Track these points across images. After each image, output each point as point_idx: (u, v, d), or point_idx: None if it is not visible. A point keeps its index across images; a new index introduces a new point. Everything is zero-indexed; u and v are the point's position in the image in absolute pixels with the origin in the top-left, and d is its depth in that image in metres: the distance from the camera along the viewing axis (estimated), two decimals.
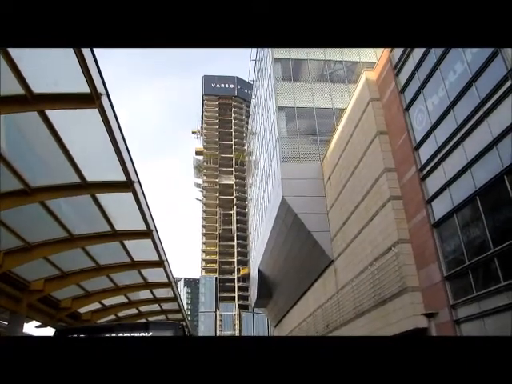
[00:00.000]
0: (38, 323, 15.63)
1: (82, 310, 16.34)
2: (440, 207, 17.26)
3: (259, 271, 49.44)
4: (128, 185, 8.54)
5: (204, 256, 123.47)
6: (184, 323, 9.70)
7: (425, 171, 18.25)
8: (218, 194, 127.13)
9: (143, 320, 18.62)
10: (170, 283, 15.57)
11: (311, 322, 36.15)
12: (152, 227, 10.75)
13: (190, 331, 11.35)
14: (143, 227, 10.78)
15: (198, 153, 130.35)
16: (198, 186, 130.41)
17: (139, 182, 8.69)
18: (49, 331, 16.42)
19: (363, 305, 23.74)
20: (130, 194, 8.87)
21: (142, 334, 8.20)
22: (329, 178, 31.39)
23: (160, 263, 13.29)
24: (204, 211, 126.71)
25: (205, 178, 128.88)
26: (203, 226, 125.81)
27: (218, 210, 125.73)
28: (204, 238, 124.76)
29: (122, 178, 8.36)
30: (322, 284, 32.93)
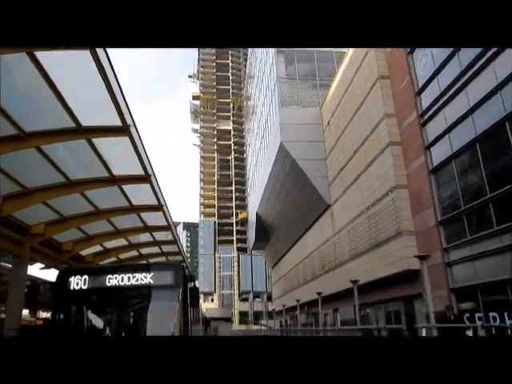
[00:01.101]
0: (42, 265, 16.10)
1: (83, 253, 16.71)
2: (439, 153, 17.23)
3: (257, 215, 50.24)
4: (124, 129, 8.40)
5: (202, 201, 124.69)
6: (184, 264, 10.01)
7: (426, 117, 18.02)
8: (215, 140, 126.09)
9: (144, 262, 19.12)
10: (169, 227, 15.82)
11: (308, 264, 37.29)
12: (150, 172, 10.73)
13: (191, 272, 11.73)
14: (141, 172, 10.75)
15: (194, 97, 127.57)
16: (195, 131, 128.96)
17: (135, 126, 8.55)
18: (53, 273, 16.95)
19: (359, 247, 24.39)
20: (127, 139, 8.76)
21: (144, 275, 8.47)
22: (328, 123, 31.02)
23: (159, 207, 13.42)
24: (202, 157, 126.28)
25: (202, 123, 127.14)
26: (201, 172, 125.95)
27: (215, 155, 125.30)
28: (202, 183, 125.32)
29: (117, 122, 8.23)
30: (319, 228, 33.60)
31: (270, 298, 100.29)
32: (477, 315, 13.95)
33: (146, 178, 11.03)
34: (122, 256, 19.28)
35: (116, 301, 8.49)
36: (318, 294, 24.12)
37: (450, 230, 16.41)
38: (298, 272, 40.92)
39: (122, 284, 8.36)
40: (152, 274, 8.51)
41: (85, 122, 8.17)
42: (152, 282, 8.44)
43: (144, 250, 19.80)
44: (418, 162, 18.50)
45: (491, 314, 12.73)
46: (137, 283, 8.41)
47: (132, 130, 8.54)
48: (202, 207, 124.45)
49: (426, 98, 18.24)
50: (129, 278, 8.42)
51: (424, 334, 9.49)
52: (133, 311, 8.89)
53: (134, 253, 19.51)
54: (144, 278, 8.44)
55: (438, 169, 17.16)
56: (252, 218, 59.07)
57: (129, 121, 8.22)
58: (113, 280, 8.40)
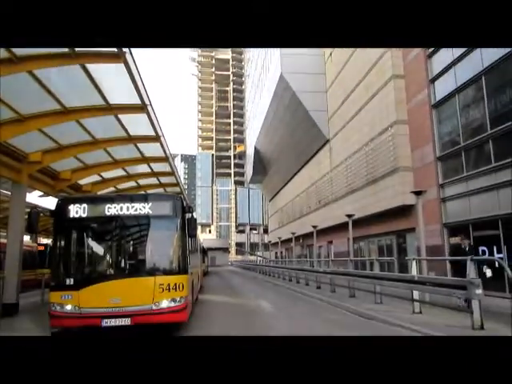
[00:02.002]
0: (41, 193, 16.26)
1: (82, 182, 16.80)
2: (442, 87, 16.81)
3: (255, 148, 50.10)
4: (119, 55, 8.08)
5: (200, 133, 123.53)
6: (182, 196, 10.09)
7: (432, 48, 17.34)
8: (213, 70, 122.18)
9: (143, 192, 19.29)
10: (167, 158, 15.75)
11: (304, 198, 37.86)
12: (147, 101, 10.46)
13: (188, 203, 11.94)
14: (138, 101, 10.50)
15: None
16: (193, 60, 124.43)
17: (131, 52, 8.21)
18: (51, 200, 17.17)
19: (355, 183, 24.63)
20: (122, 66, 8.45)
21: (143, 205, 8.58)
22: (330, 54, 29.91)
23: (156, 138, 13.27)
24: (200, 87, 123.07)
25: (199, 51, 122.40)
26: (199, 103, 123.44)
27: (213, 86, 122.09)
28: (200, 114, 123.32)
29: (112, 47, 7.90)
30: (317, 162, 33.67)
31: (266, 231, 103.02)
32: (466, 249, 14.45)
33: (143, 107, 10.79)
34: (120, 186, 19.40)
35: (115, 230, 8.67)
36: (314, 227, 24.71)
37: (448, 166, 16.47)
38: (295, 206, 41.65)
39: (121, 213, 8.49)
40: (151, 204, 8.63)
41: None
42: (151, 212, 8.58)
43: (142, 181, 19.89)
44: (420, 96, 18.11)
45: (481, 248, 13.16)
46: (136, 213, 8.55)
47: (128, 56, 8.21)
48: (199, 139, 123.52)
49: None
50: (128, 207, 8.55)
51: (414, 266, 9.82)
52: (132, 240, 9.12)
53: (132, 183, 19.61)
54: (143, 208, 8.57)
55: (440, 103, 16.84)
56: (250, 152, 58.94)
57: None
58: (112, 209, 8.52)
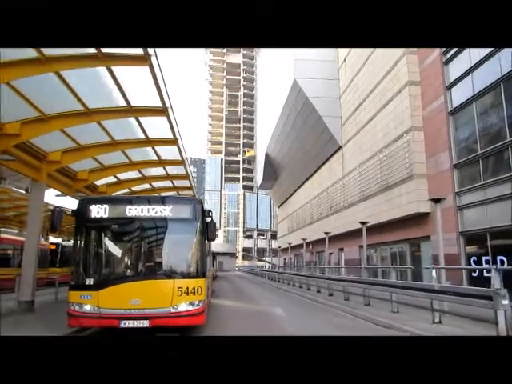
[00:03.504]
0: (58, 192, 16.37)
1: (98, 183, 16.92)
2: (459, 94, 16.74)
3: (266, 154, 50.10)
4: (145, 58, 8.14)
5: (210, 137, 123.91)
6: (201, 200, 10.06)
7: (449, 54, 17.29)
8: (224, 74, 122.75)
9: (156, 194, 19.35)
10: (182, 161, 15.81)
11: (315, 204, 37.76)
12: (168, 104, 10.53)
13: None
14: (159, 104, 10.55)
15: None
16: (205, 64, 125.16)
17: (156, 55, 8.26)
18: (67, 200, 17.31)
19: (368, 189, 24.52)
20: (147, 68, 8.51)
21: (164, 207, 8.57)
22: (344, 60, 29.93)
23: (174, 141, 13.32)
24: (210, 91, 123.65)
25: (211, 55, 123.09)
26: (209, 107, 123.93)
27: (224, 90, 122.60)
28: (210, 118, 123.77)
29: (139, 50, 7.95)
30: (329, 169, 33.59)
31: (273, 236, 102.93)
32: (484, 258, 14.28)
33: (164, 110, 10.84)
34: (135, 188, 19.50)
35: (136, 231, 8.66)
36: (326, 233, 24.57)
37: (464, 174, 16.35)
38: (305, 212, 41.54)
39: (142, 215, 8.49)
40: (172, 206, 8.60)
41: (105, 48, 7.91)
42: (171, 214, 8.55)
43: (156, 184, 19.96)
44: (436, 103, 18.04)
45: (499, 258, 13.00)
46: (157, 215, 8.54)
47: (153, 59, 8.26)
48: (209, 143, 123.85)
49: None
50: (148, 209, 8.54)
51: (434, 275, 9.71)
52: (152, 242, 9.11)
53: (146, 185, 19.69)
54: (164, 211, 8.56)
55: (457, 110, 16.75)
56: (260, 157, 58.97)
57: (150, 50, 7.95)
58: (133, 210, 8.52)
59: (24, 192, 20.75)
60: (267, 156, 49.99)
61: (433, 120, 18.34)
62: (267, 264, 64.82)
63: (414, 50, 20.02)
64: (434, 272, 9.80)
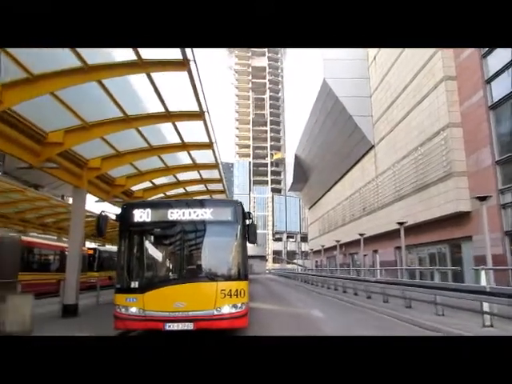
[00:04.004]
0: (97, 198, 16.74)
1: (134, 188, 17.23)
2: (500, 87, 16.14)
3: (295, 156, 49.87)
4: (184, 63, 8.20)
5: (237, 141, 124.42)
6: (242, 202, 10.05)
7: (487, 48, 16.70)
8: (250, 78, 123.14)
9: (190, 198, 19.52)
10: (217, 165, 15.89)
11: (347, 206, 37.25)
12: (205, 108, 10.58)
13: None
14: (195, 108, 10.62)
15: None
16: (230, 68, 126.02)
17: (195, 60, 8.30)
18: (105, 206, 17.72)
19: (403, 189, 23.97)
20: (185, 74, 8.57)
21: (205, 210, 8.59)
22: (374, 58, 29.45)
23: (209, 145, 13.40)
24: (236, 95, 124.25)
25: (237, 59, 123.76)
26: (236, 111, 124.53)
27: (250, 94, 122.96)
28: (237, 122, 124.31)
29: (178, 56, 8.01)
30: (361, 169, 33.09)
31: (303, 239, 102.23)
32: None
33: (201, 114, 10.90)
34: (169, 193, 19.72)
35: (178, 234, 8.72)
36: (361, 235, 24.19)
37: (507, 171, 15.73)
38: (337, 213, 41.06)
39: (184, 218, 8.54)
40: (213, 209, 8.62)
41: (145, 55, 8.01)
42: (213, 217, 8.57)
43: (190, 188, 20.14)
44: (475, 98, 17.46)
45: None
46: (198, 218, 8.57)
47: (192, 64, 8.31)
48: (236, 147, 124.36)
49: None
50: (190, 213, 8.59)
51: (483, 276, 9.34)
52: (194, 245, 9.15)
53: (180, 190, 19.89)
54: (205, 214, 8.58)
55: (498, 105, 16.16)
56: (289, 159, 58.77)
57: (189, 55, 7.99)
58: (175, 214, 8.58)
59: (58, 199, 21.41)
60: (297, 158, 49.75)
61: (472, 115, 17.76)
62: (298, 267, 64.44)
63: None
64: (483, 273, 9.44)
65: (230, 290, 8.15)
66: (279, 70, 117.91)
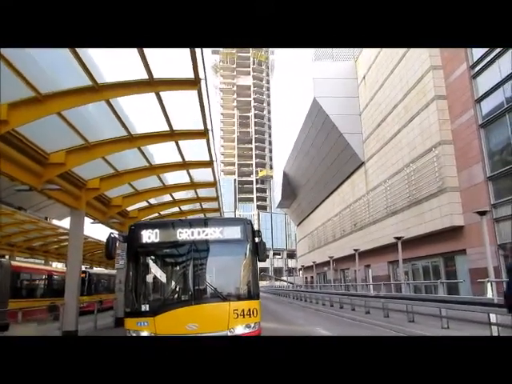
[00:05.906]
0: (92, 220, 16.45)
1: (129, 208, 16.97)
2: (490, 107, 16.65)
3: (284, 173, 50.12)
4: (195, 82, 8.21)
5: (222, 158, 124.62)
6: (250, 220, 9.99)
7: (477, 68, 17.26)
8: (235, 96, 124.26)
9: (196, 217, 19.39)
10: (215, 183, 15.84)
11: (337, 222, 37.41)
12: (209, 127, 10.58)
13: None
14: (199, 127, 10.60)
15: (213, 52, 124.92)
16: (215, 87, 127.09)
17: (206, 79, 8.33)
18: (100, 227, 17.42)
19: (395, 205, 24.24)
20: (195, 92, 8.58)
21: (213, 229, 8.49)
22: (363, 77, 30.07)
23: (210, 163, 13.37)
24: (221, 113, 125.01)
25: (221, 78, 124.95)
26: (221, 129, 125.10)
27: (235, 112, 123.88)
28: (222, 140, 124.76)
29: (189, 75, 8.02)
30: (351, 185, 33.40)
31: (289, 255, 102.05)
32: None
33: (205, 132, 10.89)
34: (163, 212, 19.50)
35: (188, 254, 8.57)
36: (355, 250, 24.27)
37: (500, 186, 16.10)
38: (327, 230, 41.17)
39: (193, 238, 8.41)
40: (222, 228, 8.51)
41: (157, 73, 7.99)
42: (222, 236, 8.45)
43: (184, 207, 19.98)
44: (466, 116, 17.93)
45: None
46: (208, 237, 8.45)
47: (202, 83, 8.32)
48: (222, 165, 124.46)
49: (478, 49, 17.40)
50: (199, 232, 8.46)
51: (489, 288, 9.46)
52: (205, 265, 8.99)
53: (175, 209, 19.71)
54: (214, 232, 8.47)
55: (488, 123, 16.61)
56: (277, 177, 59.03)
57: (201, 74, 8.00)
58: (184, 234, 8.45)
59: (55, 223, 20.97)
60: (285, 175, 49.99)
61: (462, 133, 18.20)
62: (286, 283, 64.07)
63: (439, 64, 20.08)
64: (488, 285, 9.56)
65: (243, 310, 8.01)
66: (264, 89, 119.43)
